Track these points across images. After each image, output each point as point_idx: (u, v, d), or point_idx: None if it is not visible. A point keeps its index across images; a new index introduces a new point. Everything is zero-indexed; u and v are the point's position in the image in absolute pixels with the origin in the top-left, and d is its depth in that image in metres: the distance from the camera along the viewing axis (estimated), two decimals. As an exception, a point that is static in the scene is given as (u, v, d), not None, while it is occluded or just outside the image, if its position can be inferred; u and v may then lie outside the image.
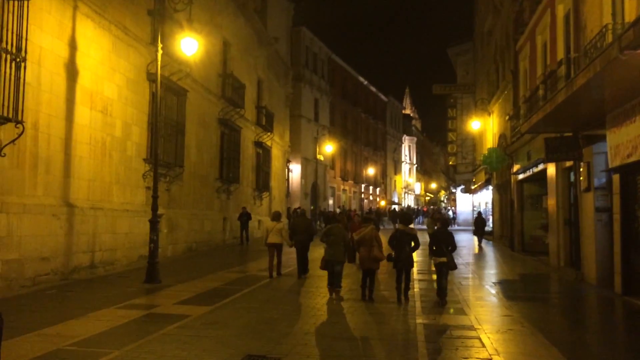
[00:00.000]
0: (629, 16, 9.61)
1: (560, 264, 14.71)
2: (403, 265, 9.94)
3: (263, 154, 28.80)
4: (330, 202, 47.71)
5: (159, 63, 12.03)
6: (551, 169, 15.39)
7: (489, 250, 22.50)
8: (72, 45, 11.86)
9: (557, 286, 12.83)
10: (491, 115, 27.17)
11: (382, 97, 63.08)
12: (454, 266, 9.96)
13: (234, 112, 23.27)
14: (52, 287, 10.46)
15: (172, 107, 17.07)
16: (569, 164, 13.92)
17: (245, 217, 22.11)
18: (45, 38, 10.94)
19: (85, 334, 6.90)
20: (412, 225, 10.92)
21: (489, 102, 27.39)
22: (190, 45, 12.14)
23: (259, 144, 27.81)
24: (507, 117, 21.43)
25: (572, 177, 13.99)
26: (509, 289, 11.78)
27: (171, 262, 15.97)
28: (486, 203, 32.66)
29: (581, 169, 12.41)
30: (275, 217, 13.47)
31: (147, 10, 15.39)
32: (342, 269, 10.52)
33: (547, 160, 13.19)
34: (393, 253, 10.07)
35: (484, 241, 25.58)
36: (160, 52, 12.03)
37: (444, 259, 9.75)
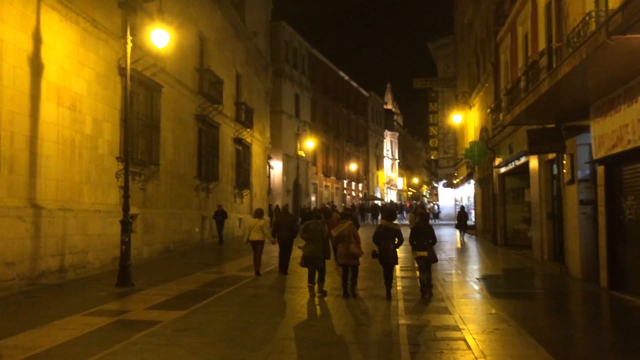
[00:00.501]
0: (613, 3, 9.36)
1: (544, 257, 14.52)
2: (387, 261, 9.86)
3: (243, 150, 28.30)
4: (313, 198, 47.33)
5: (129, 56, 11.52)
6: (533, 162, 15.20)
7: (472, 244, 22.34)
8: (37, 38, 11.29)
9: (541, 281, 12.61)
10: (472, 109, 27.00)
11: (364, 92, 62.81)
12: (434, 259, 10.02)
13: (212, 108, 22.74)
14: (17, 294, 9.93)
15: (146, 103, 16.53)
16: (551, 156, 13.71)
17: (220, 216, 21.51)
18: (6, 30, 10.38)
19: (46, 345, 6.44)
20: (395, 221, 10.70)
21: (469, 96, 27.23)
22: (161, 37, 11.64)
23: (238, 141, 27.30)
24: (488, 110, 21.25)
25: (555, 170, 13.79)
26: (493, 284, 11.53)
27: (147, 263, 15.48)
28: (468, 197, 32.59)
29: (564, 161, 12.20)
30: (257, 214, 13.53)
31: (117, 3, 14.79)
32: (324, 264, 10.42)
33: (529, 153, 12.98)
34: (377, 249, 9.97)
35: (466, 236, 25.44)
36: (129, 44, 11.52)
37: (424, 253, 9.82)
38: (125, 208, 11.41)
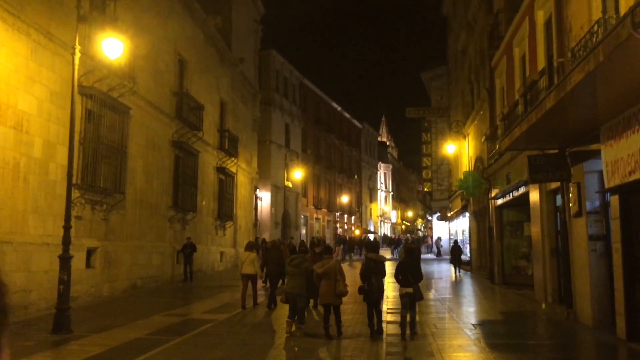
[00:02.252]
0: (625, 8, 8.11)
1: (548, 299, 12.99)
2: (374, 297, 9.35)
3: (226, 180, 26.88)
4: (303, 231, 45.72)
5: (76, 68, 10.21)
6: (534, 192, 13.80)
7: (467, 282, 20.75)
8: (-27, 48, 9.98)
9: (547, 329, 11.02)
10: (467, 138, 25.77)
11: (357, 123, 61.85)
12: (420, 297, 9.64)
13: (191, 134, 21.41)
14: None
15: (111, 127, 15.13)
16: (554, 185, 12.33)
17: (189, 249, 19.62)
18: None
19: None
20: (382, 253, 9.70)
21: (464, 125, 26.04)
22: (112, 47, 10.31)
23: (221, 170, 25.91)
24: (483, 138, 19.98)
25: (559, 201, 12.39)
26: (491, 333, 9.97)
27: (106, 303, 13.87)
28: (463, 231, 31.07)
29: (570, 191, 10.80)
30: (249, 247, 13.65)
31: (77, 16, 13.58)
32: (305, 303, 9.74)
33: (530, 182, 11.57)
34: (366, 285, 9.31)
35: (462, 272, 23.89)
36: (77, 54, 10.21)
37: (409, 290, 9.41)
38: (66, 241, 9.93)
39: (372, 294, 9.36)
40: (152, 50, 18.14)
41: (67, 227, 9.95)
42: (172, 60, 20.31)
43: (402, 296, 9.57)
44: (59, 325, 9.41)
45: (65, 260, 9.79)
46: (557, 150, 11.13)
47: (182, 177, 20.78)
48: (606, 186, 9.12)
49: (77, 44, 10.21)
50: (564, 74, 8.77)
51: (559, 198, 12.58)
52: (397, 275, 9.73)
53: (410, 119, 37.58)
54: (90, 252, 14.21)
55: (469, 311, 13.03)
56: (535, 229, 13.97)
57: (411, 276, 9.53)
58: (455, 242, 27.54)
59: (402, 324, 9.45)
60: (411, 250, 10.72)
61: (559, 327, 10.72)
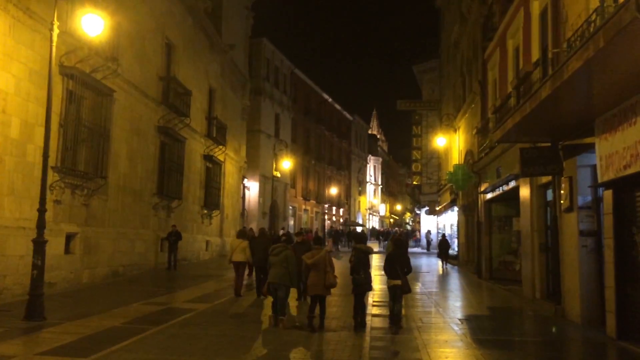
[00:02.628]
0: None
1: (536, 295, 12.80)
2: (362, 289, 9.37)
3: (214, 168, 26.48)
4: (291, 222, 45.42)
5: (54, 44, 9.80)
6: (524, 187, 13.59)
7: (454, 277, 20.59)
8: (-54, 21, 9.53)
9: (534, 325, 10.82)
10: (457, 132, 25.56)
11: (347, 115, 61.51)
12: (407, 290, 9.65)
13: (178, 121, 20.98)
14: None
15: (94, 109, 14.68)
16: (545, 179, 12.12)
17: (174, 237, 19.21)
18: None
19: None
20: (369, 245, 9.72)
21: (455, 118, 25.81)
22: (92, 24, 9.87)
23: (208, 158, 25.49)
24: (474, 131, 19.75)
25: (550, 195, 12.19)
26: (478, 328, 9.74)
27: (86, 289, 13.51)
28: (451, 225, 30.95)
29: (562, 185, 10.57)
30: (241, 234, 13.79)
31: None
32: (286, 294, 9.42)
33: (522, 175, 11.34)
34: (356, 276, 9.34)
35: (448, 266, 23.75)
36: (56, 30, 9.78)
37: (398, 282, 9.43)
38: (40, 225, 9.57)
39: (361, 285, 9.33)
40: (137, 32, 17.67)
41: (42, 210, 9.57)
42: (159, 44, 19.82)
43: (390, 288, 9.57)
44: (32, 312, 9.04)
45: (39, 244, 9.41)
46: (549, 144, 10.90)
47: (167, 164, 20.35)
48: (599, 180, 8.91)
49: (55, 19, 9.77)
50: (559, 64, 8.51)
51: (549, 193, 12.38)
52: (385, 268, 9.69)
53: (402, 113, 37.71)
54: (69, 238, 13.81)
55: (456, 306, 12.83)
56: (524, 224, 13.77)
57: (399, 268, 9.47)
58: (443, 236, 27.75)
59: (390, 317, 9.51)
60: (399, 242, 10.52)
61: (546, 324, 10.52)
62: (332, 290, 9.45)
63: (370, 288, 9.72)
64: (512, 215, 17.56)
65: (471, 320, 10.44)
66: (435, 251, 30.07)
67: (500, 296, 14.51)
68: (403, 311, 10.35)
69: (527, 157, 10.91)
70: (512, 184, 14.72)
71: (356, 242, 9.84)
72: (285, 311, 9.48)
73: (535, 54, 12.79)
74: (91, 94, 14.52)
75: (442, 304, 12.81)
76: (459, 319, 10.46)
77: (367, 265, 9.50)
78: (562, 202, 10.58)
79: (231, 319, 10.17)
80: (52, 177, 12.84)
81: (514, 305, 12.90)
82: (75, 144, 13.86)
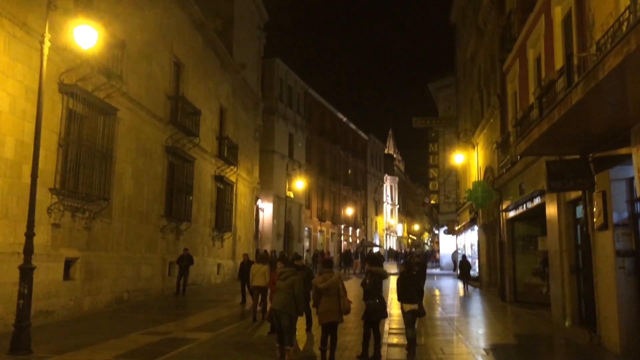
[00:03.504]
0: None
1: (567, 321, 11.79)
2: (377, 316, 8.57)
3: (225, 189, 25.86)
4: (307, 243, 44.57)
5: (45, 56, 9.24)
6: (551, 203, 12.67)
7: (477, 300, 19.53)
8: None
9: (568, 356, 9.80)
10: (475, 148, 24.67)
11: (363, 135, 60.86)
12: (422, 313, 9.26)
13: (187, 141, 20.45)
14: None
15: (96, 129, 14.15)
16: (574, 195, 11.22)
17: (185, 261, 18.53)
18: None
19: None
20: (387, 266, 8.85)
21: (472, 134, 24.96)
22: (85, 36, 9.31)
23: (219, 178, 24.90)
24: (494, 146, 18.87)
25: (580, 212, 11.27)
26: (504, 358, 8.81)
27: (86, 318, 12.83)
28: (471, 245, 29.83)
29: (594, 201, 9.68)
30: (261, 259, 13.55)
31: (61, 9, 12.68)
32: (293, 322, 8.45)
33: (549, 190, 10.43)
34: (370, 303, 8.57)
35: (470, 288, 22.69)
36: (47, 43, 9.24)
37: (414, 306, 8.96)
38: (28, 250, 8.89)
39: (377, 312, 8.55)
40: (144, 50, 17.26)
41: (29, 235, 8.92)
42: (168, 63, 19.40)
43: (406, 314, 9.06)
44: (18, 344, 8.35)
45: (26, 271, 8.75)
46: (578, 156, 10.04)
47: (176, 185, 19.77)
48: (638, 195, 8.02)
49: (46, 31, 9.24)
50: (587, 69, 7.70)
51: (579, 209, 11.47)
52: (399, 292, 9.24)
53: (418, 133, 37.16)
54: (69, 263, 13.18)
55: (479, 333, 11.85)
56: (552, 244, 12.81)
57: (415, 291, 9.15)
58: (464, 257, 26.73)
59: (409, 344, 9.01)
60: (410, 264, 9.81)
61: (581, 354, 9.53)
62: (346, 318, 8.63)
63: (386, 315, 8.95)
64: (536, 234, 16.59)
65: (497, 350, 9.49)
66: (441, 272, 28.97)
67: (528, 322, 13.47)
68: (422, 339, 9.48)
69: (554, 170, 10.05)
70: (537, 200, 13.80)
71: (370, 265, 9.02)
72: (292, 341, 8.63)
73: (559, 62, 12.00)
74: (93, 113, 14.00)
75: (465, 330, 11.85)
76: (484, 349, 9.52)
77: (380, 290, 8.79)
78: (595, 219, 9.67)
79: (235, 350, 9.36)
80: (50, 199, 12.31)
81: (543, 332, 11.88)
82: (77, 164, 13.32)
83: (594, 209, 9.71)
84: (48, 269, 12.17)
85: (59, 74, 12.58)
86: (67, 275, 13.10)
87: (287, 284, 8.65)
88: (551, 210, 12.65)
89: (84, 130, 13.65)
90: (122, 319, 12.97)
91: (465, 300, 19.39)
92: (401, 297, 9.16)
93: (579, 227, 11.51)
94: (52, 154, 12.38)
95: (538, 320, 13.47)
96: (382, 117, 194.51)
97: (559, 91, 11.33)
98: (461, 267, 25.17)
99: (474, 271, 26.88)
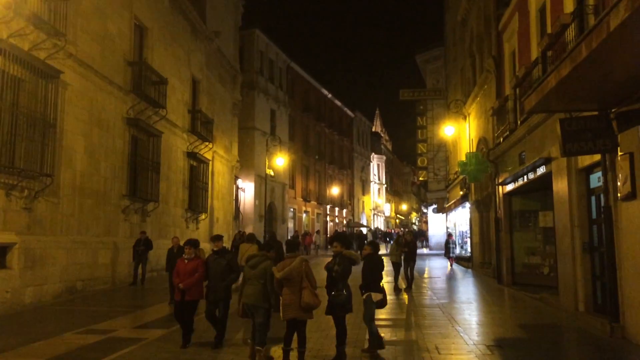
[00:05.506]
0: None
1: (579, 307, 10.23)
2: (346, 310, 7.08)
3: (199, 167, 24.01)
4: (290, 225, 42.90)
5: None
6: (559, 172, 11.02)
7: (470, 282, 18.00)
8: None
9: (589, 351, 8.17)
10: (467, 119, 23.01)
11: (349, 112, 58.92)
12: (385, 303, 7.75)
13: (152, 112, 18.54)
14: None
15: (35, 94, 12.24)
16: (588, 161, 9.59)
17: (143, 246, 16.39)
18: None
19: None
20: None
21: (464, 104, 23.26)
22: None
23: (192, 155, 23.03)
24: (489, 112, 17.17)
25: (594, 181, 9.65)
26: (514, 358, 7.20)
27: (24, 312, 11.16)
28: (459, 224, 28.30)
29: (619, 166, 8.04)
30: (250, 238, 12.62)
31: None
32: (266, 318, 7.05)
33: (564, 154, 8.70)
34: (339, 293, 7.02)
35: (462, 269, 21.24)
36: None
37: (379, 296, 7.51)
38: None
39: (344, 306, 7.02)
40: (96, 7, 15.27)
41: None
42: (127, 25, 17.37)
43: (370, 305, 7.52)
44: None
45: None
46: (596, 112, 8.38)
47: (140, 161, 17.90)
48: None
49: None
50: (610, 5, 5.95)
51: (593, 178, 9.85)
52: (367, 277, 7.65)
53: (406, 113, 35.28)
54: (4, 249, 11.39)
55: (479, 323, 10.22)
56: (561, 219, 11.18)
57: (379, 277, 7.73)
58: (449, 235, 27.08)
59: (371, 339, 7.51)
60: (376, 244, 8.15)
61: (604, 349, 7.94)
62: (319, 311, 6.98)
63: (351, 309, 7.17)
64: (536, 209, 15.05)
65: (504, 347, 7.88)
66: (430, 252, 28.06)
67: (532, 308, 11.88)
68: (413, 333, 7.94)
69: (569, 130, 8.38)
70: (542, 170, 12.16)
71: (341, 245, 7.25)
72: (264, 340, 6.99)
73: (570, 6, 10.26)
74: (32, 75, 12.07)
75: (462, 321, 10.24)
76: (488, 346, 7.90)
77: (348, 274, 7.15)
78: (620, 187, 8.03)
79: (190, 350, 7.65)
80: (-25, 175, 10.46)
81: (552, 321, 10.30)
82: (12, 135, 11.44)
83: (618, 175, 8.07)
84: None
85: (-14, 29, 10.65)
86: (1, 263, 11.32)
87: (258, 272, 7.04)
88: (559, 180, 11.01)
89: (20, 95, 11.75)
90: (68, 313, 11.24)
91: (458, 283, 17.86)
92: (367, 286, 7.52)
93: (593, 198, 9.89)
94: (-25, 122, 10.49)
95: (543, 305, 11.92)
96: (369, 94, 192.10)
97: (569, 41, 9.63)
98: (446, 245, 25.42)
99: (465, 250, 25.48)
